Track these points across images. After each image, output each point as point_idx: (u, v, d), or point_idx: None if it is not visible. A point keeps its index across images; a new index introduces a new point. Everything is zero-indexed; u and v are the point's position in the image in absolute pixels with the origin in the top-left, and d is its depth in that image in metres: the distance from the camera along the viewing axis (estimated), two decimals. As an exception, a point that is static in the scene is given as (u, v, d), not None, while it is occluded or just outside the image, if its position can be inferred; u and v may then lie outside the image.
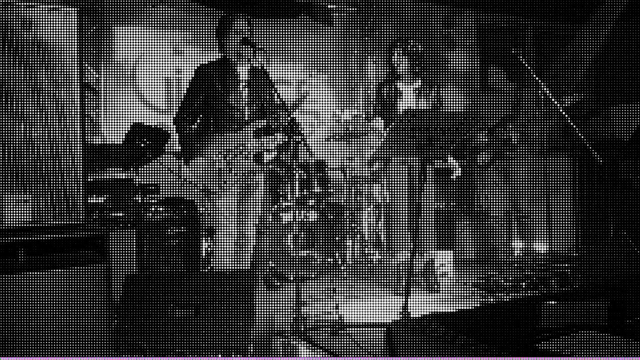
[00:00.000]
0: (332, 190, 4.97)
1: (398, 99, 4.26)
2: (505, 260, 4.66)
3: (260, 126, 3.57)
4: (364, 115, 4.45)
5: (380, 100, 4.31)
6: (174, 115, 3.57)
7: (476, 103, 6.24)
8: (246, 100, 3.67)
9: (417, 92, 4.27)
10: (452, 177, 4.28)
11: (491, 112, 4.66)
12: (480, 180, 4.78)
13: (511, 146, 4.57)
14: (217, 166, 3.41)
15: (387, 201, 4.70)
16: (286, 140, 3.60)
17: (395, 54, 4.26)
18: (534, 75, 3.99)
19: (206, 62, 3.60)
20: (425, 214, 4.21)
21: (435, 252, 4.38)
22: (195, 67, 3.58)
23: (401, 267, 4.28)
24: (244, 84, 3.62)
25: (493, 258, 4.79)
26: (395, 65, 4.26)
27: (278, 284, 4.46)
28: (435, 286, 4.25)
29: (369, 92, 6.62)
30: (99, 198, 3.79)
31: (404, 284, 4.15)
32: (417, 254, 4.29)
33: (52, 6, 2.17)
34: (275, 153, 3.86)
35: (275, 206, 4.65)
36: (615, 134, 5.33)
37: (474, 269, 4.92)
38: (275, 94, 3.42)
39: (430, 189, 4.30)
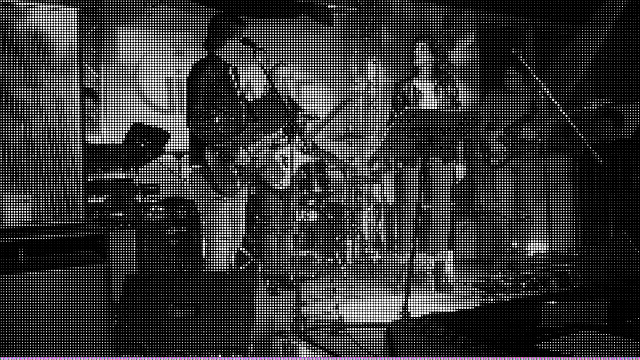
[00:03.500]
0: (332, 190, 4.97)
1: (418, 98, 4.23)
2: (506, 260, 4.65)
3: (269, 128, 3.56)
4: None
5: (399, 99, 4.26)
6: (190, 118, 3.39)
7: (479, 103, 6.24)
8: (249, 101, 3.66)
9: (435, 89, 4.25)
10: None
11: (506, 112, 4.65)
12: (484, 180, 4.78)
13: (527, 146, 4.57)
14: (224, 168, 3.41)
15: (389, 202, 4.71)
16: (286, 140, 3.60)
17: (418, 51, 4.22)
18: (534, 75, 3.99)
19: (200, 60, 3.47)
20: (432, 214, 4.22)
21: (441, 252, 4.38)
22: (192, 65, 3.52)
23: (404, 267, 4.28)
24: (242, 84, 3.60)
25: (493, 258, 4.79)
26: (418, 62, 4.22)
27: (280, 287, 4.46)
28: (443, 287, 4.25)
29: (369, 92, 6.62)
30: (99, 198, 3.79)
31: (404, 283, 4.15)
32: (424, 254, 4.30)
33: (52, 6, 2.16)
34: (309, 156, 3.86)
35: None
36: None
37: (474, 269, 4.92)
38: (276, 94, 3.42)
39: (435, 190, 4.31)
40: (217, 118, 3.39)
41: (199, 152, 3.38)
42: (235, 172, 3.42)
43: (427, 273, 4.35)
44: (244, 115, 3.57)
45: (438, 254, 4.33)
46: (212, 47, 3.48)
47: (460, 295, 4.14)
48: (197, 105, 3.31)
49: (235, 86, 3.58)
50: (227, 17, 3.49)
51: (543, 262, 4.65)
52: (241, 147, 3.44)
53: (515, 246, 4.83)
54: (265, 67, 3.45)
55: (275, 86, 3.50)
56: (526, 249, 4.91)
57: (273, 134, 3.64)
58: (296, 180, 4.56)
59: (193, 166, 3.46)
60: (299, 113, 4.39)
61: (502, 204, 4.70)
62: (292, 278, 4.40)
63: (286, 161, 4.17)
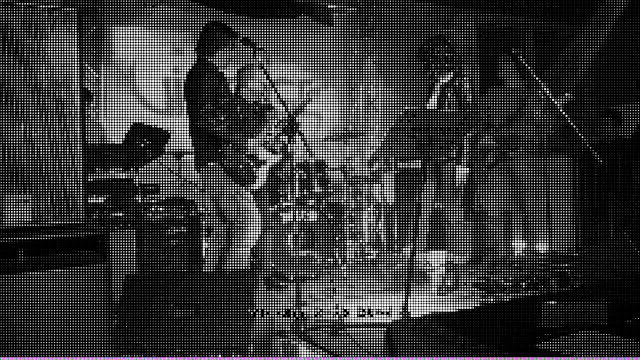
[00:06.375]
0: (332, 190, 4.97)
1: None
2: (505, 260, 4.64)
3: (261, 127, 3.64)
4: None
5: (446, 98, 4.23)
6: (198, 123, 3.50)
7: (477, 102, 6.23)
8: (247, 101, 3.74)
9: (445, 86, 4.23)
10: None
11: (497, 110, 4.62)
12: (481, 180, 4.78)
13: (514, 146, 4.56)
14: (238, 158, 3.50)
15: (389, 202, 4.69)
16: (286, 140, 3.64)
17: (437, 51, 4.21)
18: (534, 75, 3.99)
19: (195, 65, 3.63)
20: (425, 213, 4.21)
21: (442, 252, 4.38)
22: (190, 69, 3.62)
23: (405, 267, 4.28)
24: (235, 86, 3.72)
25: (492, 258, 4.79)
26: (436, 61, 4.21)
27: (281, 284, 4.46)
28: (444, 287, 4.25)
29: (369, 92, 6.62)
30: (99, 198, 3.79)
31: (405, 283, 4.15)
32: (425, 254, 4.29)
33: (52, 6, 2.17)
34: (278, 156, 3.92)
35: (276, 206, 4.65)
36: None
37: (474, 270, 4.92)
38: (275, 94, 3.44)
39: (430, 189, 4.30)
40: (222, 116, 3.50)
41: (212, 149, 3.53)
42: (251, 162, 3.59)
43: (429, 273, 4.35)
44: (241, 115, 3.69)
45: (439, 254, 4.33)
46: (204, 53, 3.64)
47: (460, 295, 4.14)
48: (205, 106, 3.43)
49: (231, 88, 3.75)
50: (219, 27, 3.67)
51: (543, 262, 4.65)
52: (250, 137, 3.61)
53: (516, 246, 4.83)
54: (265, 67, 3.50)
55: (277, 86, 3.55)
56: (526, 249, 4.91)
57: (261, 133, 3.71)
58: (268, 182, 4.57)
59: (209, 164, 3.57)
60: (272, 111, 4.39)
61: (501, 204, 4.69)
62: (291, 278, 4.40)
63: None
